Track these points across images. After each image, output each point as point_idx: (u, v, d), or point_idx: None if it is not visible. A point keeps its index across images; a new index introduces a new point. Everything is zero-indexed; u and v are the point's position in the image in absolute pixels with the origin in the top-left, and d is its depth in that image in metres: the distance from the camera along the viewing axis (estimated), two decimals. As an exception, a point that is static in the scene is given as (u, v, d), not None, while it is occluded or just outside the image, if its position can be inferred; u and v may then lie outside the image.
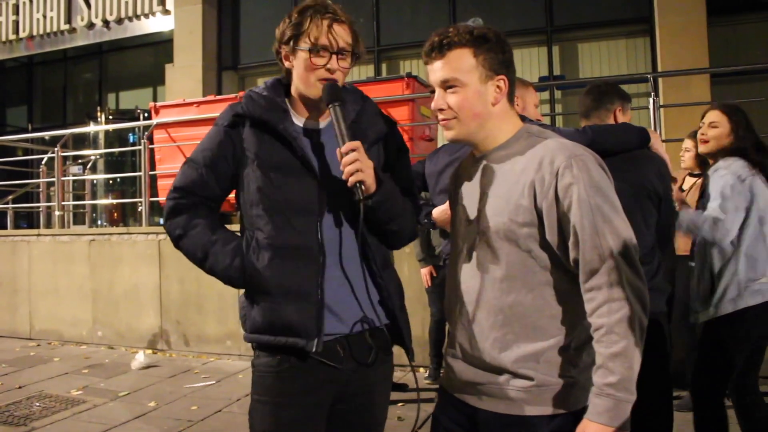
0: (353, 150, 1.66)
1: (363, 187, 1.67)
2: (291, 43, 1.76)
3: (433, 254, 4.98)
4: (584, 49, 9.03)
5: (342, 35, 1.75)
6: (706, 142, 3.02)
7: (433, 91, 1.62)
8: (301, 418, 1.73)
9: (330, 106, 1.72)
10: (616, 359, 1.38)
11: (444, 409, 1.71)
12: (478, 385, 1.59)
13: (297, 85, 1.80)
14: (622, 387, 1.37)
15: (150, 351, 6.56)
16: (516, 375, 1.52)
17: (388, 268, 1.86)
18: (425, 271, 4.99)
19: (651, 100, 5.70)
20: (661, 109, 6.70)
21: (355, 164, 1.65)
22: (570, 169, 1.45)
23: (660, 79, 7.65)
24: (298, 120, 1.83)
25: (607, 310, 1.40)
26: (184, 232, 1.82)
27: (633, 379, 1.38)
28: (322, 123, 1.84)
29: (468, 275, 1.61)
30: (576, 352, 1.52)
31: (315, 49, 1.73)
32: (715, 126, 2.99)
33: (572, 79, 8.94)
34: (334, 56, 1.74)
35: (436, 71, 1.58)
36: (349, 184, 1.67)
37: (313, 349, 1.68)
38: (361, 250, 1.77)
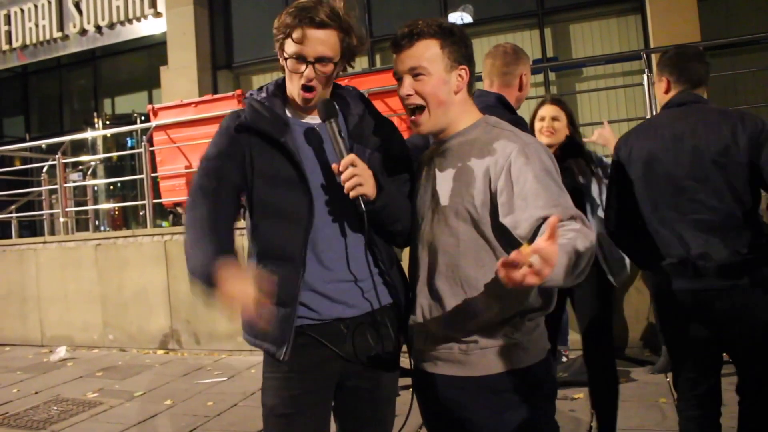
0: (351, 164, 1.69)
1: (364, 197, 1.72)
2: (278, 45, 1.79)
3: None
4: (576, 29, 9.02)
5: (321, 41, 1.73)
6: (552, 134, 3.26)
7: (399, 79, 1.73)
8: (311, 390, 1.80)
9: (326, 122, 1.76)
10: None
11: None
12: (433, 350, 1.73)
13: (288, 87, 1.83)
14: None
15: (162, 351, 6.64)
16: (467, 339, 1.67)
17: (394, 266, 1.92)
18: None
19: (645, 76, 5.74)
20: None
21: (353, 179, 1.69)
22: (522, 154, 1.59)
23: (653, 55, 7.65)
24: (298, 116, 1.86)
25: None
26: (190, 223, 1.78)
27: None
28: (318, 118, 1.86)
29: (428, 249, 1.75)
30: (520, 318, 1.66)
31: (293, 57, 1.74)
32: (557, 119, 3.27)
33: (566, 60, 8.94)
34: (310, 66, 1.74)
35: (405, 60, 1.71)
36: (351, 197, 1.71)
37: (281, 358, 1.75)
38: (371, 252, 1.82)
